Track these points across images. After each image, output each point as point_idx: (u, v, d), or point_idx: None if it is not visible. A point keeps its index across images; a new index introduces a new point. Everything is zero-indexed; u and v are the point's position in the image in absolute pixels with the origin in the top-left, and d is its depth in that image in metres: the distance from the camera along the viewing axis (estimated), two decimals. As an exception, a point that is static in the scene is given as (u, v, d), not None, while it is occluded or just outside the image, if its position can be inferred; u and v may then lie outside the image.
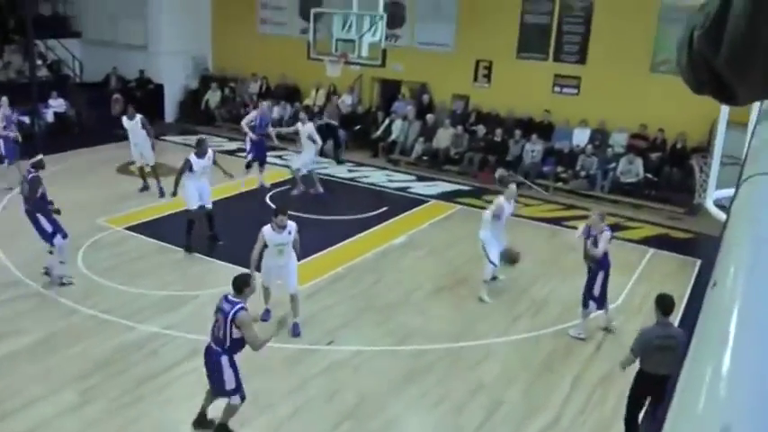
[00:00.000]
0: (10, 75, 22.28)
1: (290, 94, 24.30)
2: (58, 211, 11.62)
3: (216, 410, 8.14)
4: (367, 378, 9.48)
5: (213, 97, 24.80)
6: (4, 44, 23.41)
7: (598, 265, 10.56)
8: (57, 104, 21.89)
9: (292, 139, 18.59)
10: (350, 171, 20.18)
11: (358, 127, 22.48)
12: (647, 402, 8.00)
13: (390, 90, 23.45)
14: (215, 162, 13.77)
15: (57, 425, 8.26)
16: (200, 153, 13.46)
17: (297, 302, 10.63)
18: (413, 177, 19.76)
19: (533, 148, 19.26)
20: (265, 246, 10.37)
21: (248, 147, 17.57)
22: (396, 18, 21.74)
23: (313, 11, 17.60)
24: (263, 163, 17.63)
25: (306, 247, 13.31)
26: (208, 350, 7.97)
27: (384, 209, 16.61)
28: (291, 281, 10.62)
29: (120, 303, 11.30)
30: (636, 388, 7.97)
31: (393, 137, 21.54)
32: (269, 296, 10.82)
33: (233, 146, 21.82)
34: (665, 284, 11.33)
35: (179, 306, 11.23)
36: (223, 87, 25.20)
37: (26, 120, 19.60)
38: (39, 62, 22.77)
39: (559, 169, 19.03)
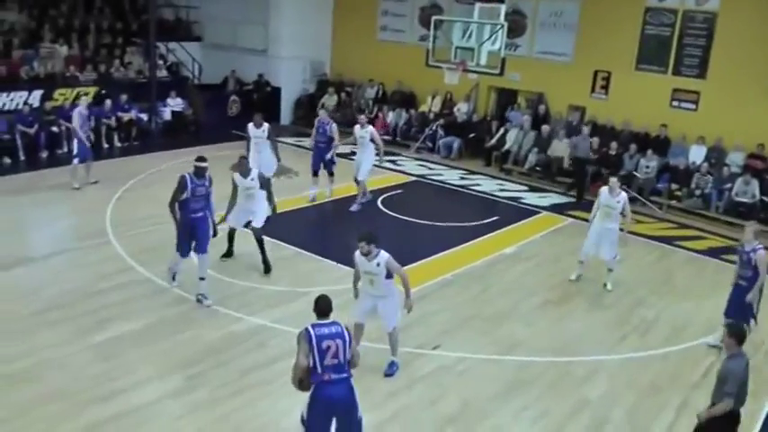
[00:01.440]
0: (130, 75, 23.15)
1: (407, 100, 24.54)
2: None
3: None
4: (470, 385, 9.55)
5: (329, 101, 25.24)
6: (126, 46, 24.36)
7: (751, 281, 10.51)
8: (174, 104, 22.68)
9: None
10: (462, 178, 20.27)
11: (472, 135, 22.56)
12: None
13: (506, 99, 23.47)
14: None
15: (160, 407, 8.58)
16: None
17: (395, 340, 9.68)
18: (525, 188, 19.73)
19: (648, 164, 18.95)
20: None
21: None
22: (516, 27, 21.77)
23: (434, 18, 17.73)
24: (330, 172, 17.01)
25: (416, 252, 13.62)
26: (336, 385, 6.91)
27: (495, 218, 16.66)
28: (388, 318, 9.52)
29: (229, 295, 11.60)
30: (726, 428, 7.38)
31: (507, 146, 21.53)
32: (360, 334, 9.55)
33: (345, 149, 22.17)
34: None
35: (288, 302, 11.45)
36: (339, 92, 25.62)
37: (144, 117, 20.43)
38: (159, 62, 23.67)
39: (674, 186, 18.67)
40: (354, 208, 16.25)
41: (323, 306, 7.23)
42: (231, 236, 12.87)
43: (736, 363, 7.26)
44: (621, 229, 12.95)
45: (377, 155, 16.33)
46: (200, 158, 11.06)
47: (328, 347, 6.90)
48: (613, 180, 12.86)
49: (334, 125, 16.80)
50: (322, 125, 16.73)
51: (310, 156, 17.17)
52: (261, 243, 12.49)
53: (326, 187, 17.06)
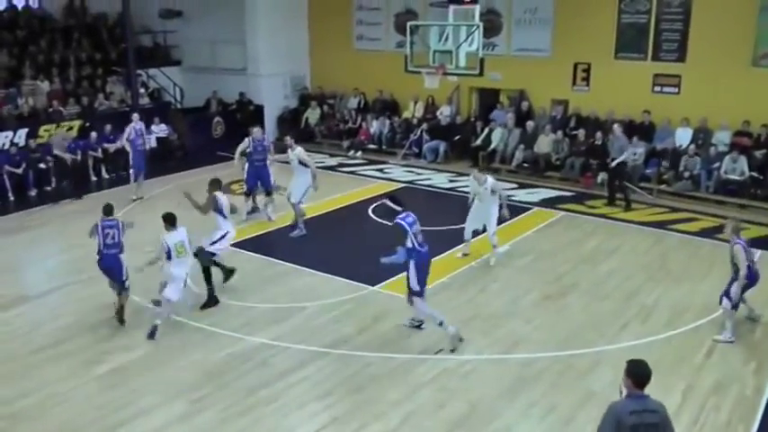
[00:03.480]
0: (113, 104, 23.18)
1: (389, 107, 24.58)
2: None
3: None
4: (476, 387, 9.55)
5: (313, 115, 25.32)
6: (107, 76, 24.39)
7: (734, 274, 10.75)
8: (159, 130, 22.61)
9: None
10: (451, 181, 20.28)
11: (457, 137, 22.60)
12: None
13: (489, 99, 23.49)
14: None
15: (167, 434, 8.58)
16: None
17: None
18: (514, 185, 19.72)
19: (635, 151, 19.01)
20: None
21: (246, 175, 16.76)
22: (492, 27, 21.83)
23: (409, 24, 17.76)
24: (268, 192, 16.70)
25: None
26: None
27: (486, 218, 16.62)
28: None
29: (227, 317, 11.62)
30: None
31: (493, 145, 21.56)
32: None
33: (333, 162, 22.30)
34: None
35: (287, 318, 11.46)
36: (322, 105, 25.68)
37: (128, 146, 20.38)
38: (141, 90, 23.66)
39: (662, 171, 18.73)
40: (295, 233, 15.49)
41: None
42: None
43: (617, 402, 6.25)
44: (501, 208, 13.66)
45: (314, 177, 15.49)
46: None
47: None
48: (476, 173, 13.87)
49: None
50: (260, 143, 16.53)
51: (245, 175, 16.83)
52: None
53: (266, 209, 16.67)
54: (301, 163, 15.44)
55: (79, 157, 20.30)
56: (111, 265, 11.35)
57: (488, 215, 13.51)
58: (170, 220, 11.03)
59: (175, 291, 10.96)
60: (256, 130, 16.90)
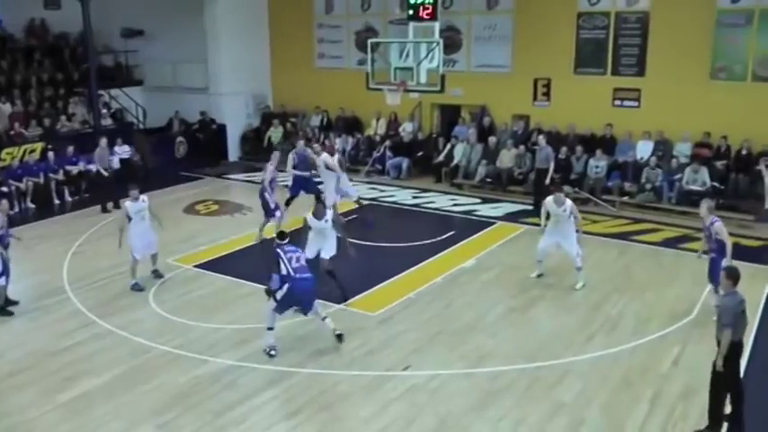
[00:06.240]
0: (74, 126, 22.96)
1: (352, 125, 24.62)
2: None
3: None
4: (445, 402, 9.53)
5: (275, 133, 25.26)
6: (69, 96, 24.17)
7: (720, 254, 11.43)
8: (122, 151, 22.26)
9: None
10: (414, 197, 20.34)
11: (420, 153, 22.70)
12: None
13: (450, 115, 23.63)
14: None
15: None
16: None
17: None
18: (478, 200, 19.84)
19: (597, 164, 19.22)
20: None
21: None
22: (452, 43, 22.00)
23: (370, 41, 17.80)
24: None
25: (376, 275, 13.72)
26: None
27: (451, 233, 16.68)
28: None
29: (192, 339, 11.50)
30: (735, 359, 8.31)
31: (456, 161, 21.68)
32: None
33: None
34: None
35: (253, 339, 11.31)
36: (284, 123, 25.63)
37: (92, 168, 20.19)
38: (103, 111, 23.46)
39: (625, 184, 18.92)
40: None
41: None
42: None
43: (730, 299, 8.29)
44: (577, 231, 13.16)
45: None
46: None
47: None
48: (558, 194, 13.30)
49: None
50: (302, 155, 17.30)
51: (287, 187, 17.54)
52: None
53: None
54: (328, 168, 16.61)
55: (42, 180, 20.08)
56: None
57: (566, 237, 13.29)
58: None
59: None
60: (299, 144, 17.89)
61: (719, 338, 8.21)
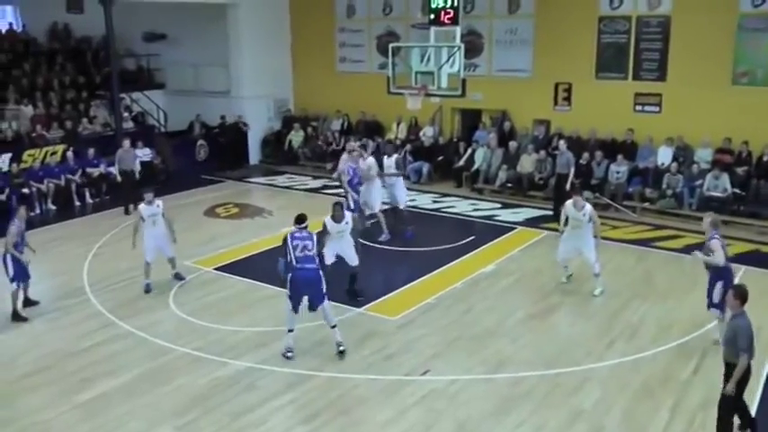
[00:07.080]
0: (96, 128, 23.12)
1: (372, 129, 24.61)
2: None
3: None
4: (464, 407, 9.50)
5: (296, 137, 25.33)
6: (90, 99, 24.34)
7: (716, 274, 10.78)
8: (143, 153, 22.42)
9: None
10: (435, 202, 20.31)
11: (440, 158, 22.67)
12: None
13: (471, 119, 23.59)
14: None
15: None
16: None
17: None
18: (498, 205, 19.79)
19: (618, 170, 19.11)
20: None
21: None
22: (473, 47, 21.96)
23: (391, 46, 17.78)
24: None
25: (396, 279, 13.71)
26: None
27: (471, 238, 16.67)
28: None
29: (212, 341, 11.52)
30: (744, 382, 8.03)
31: (476, 166, 21.62)
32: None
33: (317, 184, 22.28)
34: (762, 302, 11.15)
35: (272, 342, 11.33)
36: (305, 127, 25.68)
37: (113, 170, 20.28)
38: (124, 114, 23.59)
39: (646, 189, 18.81)
40: (383, 238, 16.39)
41: None
42: None
43: (742, 320, 8.00)
44: (595, 237, 13.10)
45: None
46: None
47: None
48: (578, 197, 13.16)
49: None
50: (353, 168, 16.64)
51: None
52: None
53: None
54: (398, 169, 16.85)
55: (63, 182, 20.22)
56: None
57: (585, 242, 13.17)
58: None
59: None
60: (354, 146, 17.86)
61: (728, 360, 8.06)
